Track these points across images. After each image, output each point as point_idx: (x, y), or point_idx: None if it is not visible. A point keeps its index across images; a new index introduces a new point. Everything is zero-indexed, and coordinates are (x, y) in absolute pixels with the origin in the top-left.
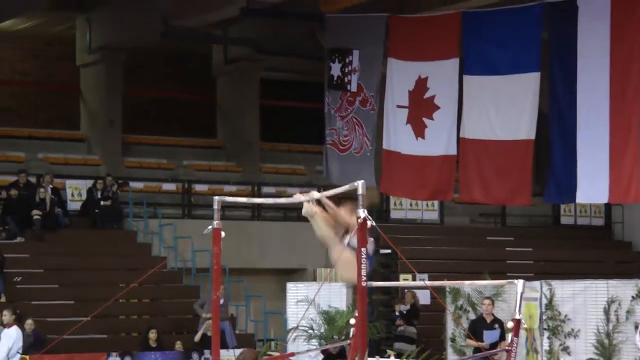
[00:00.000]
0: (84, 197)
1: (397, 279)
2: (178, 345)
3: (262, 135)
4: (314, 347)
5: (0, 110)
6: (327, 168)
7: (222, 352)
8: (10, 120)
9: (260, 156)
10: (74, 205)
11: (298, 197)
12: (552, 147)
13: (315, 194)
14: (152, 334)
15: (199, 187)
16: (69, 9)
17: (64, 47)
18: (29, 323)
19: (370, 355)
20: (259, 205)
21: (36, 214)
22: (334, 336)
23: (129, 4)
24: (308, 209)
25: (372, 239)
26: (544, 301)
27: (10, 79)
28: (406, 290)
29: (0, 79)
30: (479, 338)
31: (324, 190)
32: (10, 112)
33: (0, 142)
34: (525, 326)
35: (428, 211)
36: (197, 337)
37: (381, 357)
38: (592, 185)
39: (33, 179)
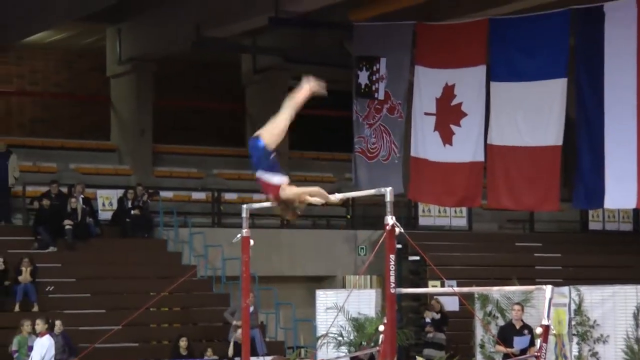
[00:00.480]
0: (115, 206)
1: (426, 286)
2: (209, 353)
3: (290, 143)
4: (344, 354)
5: (33, 121)
6: (355, 175)
7: (252, 359)
8: (43, 131)
9: (289, 164)
10: (105, 214)
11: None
12: (580, 153)
13: None
14: (183, 342)
15: (228, 196)
16: (99, 21)
17: (95, 58)
18: (58, 324)
19: None
20: None
21: (68, 223)
22: (363, 342)
23: (159, 15)
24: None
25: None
26: (573, 307)
27: (42, 91)
28: (434, 298)
29: (33, 91)
30: (509, 344)
31: None
32: (42, 123)
33: (33, 152)
34: (554, 332)
35: (456, 218)
36: (230, 350)
37: None
38: (620, 191)
39: (65, 189)
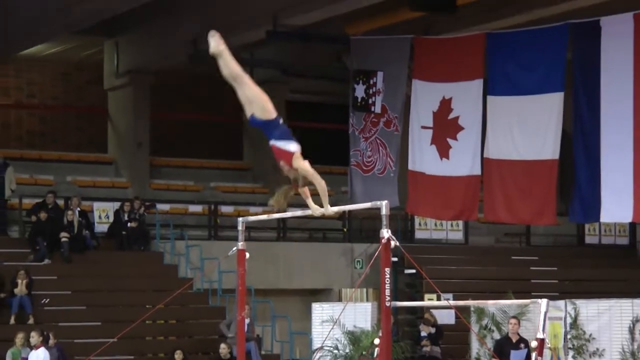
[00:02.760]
0: (112, 219)
1: (422, 299)
2: None
3: None
4: None
5: (30, 134)
6: (351, 189)
7: None
8: (40, 143)
9: (285, 178)
10: (102, 227)
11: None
12: (577, 167)
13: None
14: (178, 355)
15: (225, 209)
16: (97, 34)
17: (92, 71)
18: (51, 338)
19: None
20: (284, 226)
21: (64, 236)
22: (363, 353)
23: (157, 29)
24: (214, 45)
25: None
26: (569, 320)
27: (40, 103)
28: (428, 312)
29: (30, 103)
30: (506, 358)
31: None
32: (39, 136)
33: (30, 165)
34: (549, 345)
35: (453, 231)
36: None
37: None
38: (617, 205)
39: (61, 202)
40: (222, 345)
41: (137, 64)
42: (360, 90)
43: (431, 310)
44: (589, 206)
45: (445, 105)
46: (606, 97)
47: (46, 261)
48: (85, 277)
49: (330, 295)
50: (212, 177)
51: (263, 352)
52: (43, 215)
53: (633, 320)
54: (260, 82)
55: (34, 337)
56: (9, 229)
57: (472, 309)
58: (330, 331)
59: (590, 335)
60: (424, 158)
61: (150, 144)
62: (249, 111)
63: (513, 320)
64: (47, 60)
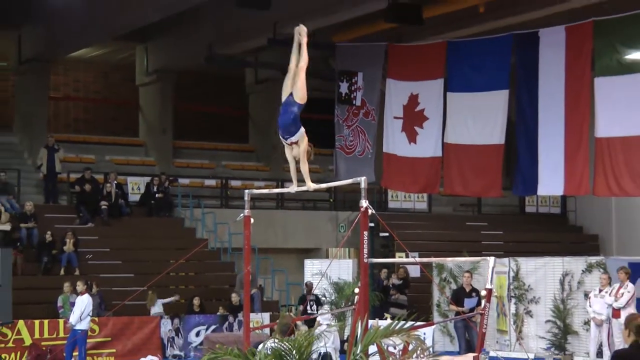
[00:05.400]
0: (142, 191)
1: (394, 257)
2: (220, 310)
3: None
4: (326, 311)
5: (75, 122)
6: (336, 167)
7: (252, 315)
8: (84, 129)
9: (284, 158)
10: (134, 197)
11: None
12: (519, 150)
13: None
14: (196, 301)
15: (234, 183)
16: (130, 40)
17: (126, 70)
18: (94, 285)
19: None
20: (282, 197)
21: (104, 204)
22: (287, 313)
23: (179, 36)
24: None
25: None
26: (512, 274)
27: (84, 97)
28: (401, 267)
29: (76, 96)
30: (461, 304)
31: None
32: (84, 123)
33: (76, 147)
34: (496, 294)
35: (419, 202)
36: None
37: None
38: (551, 181)
39: (100, 177)
40: (233, 295)
41: (163, 65)
42: (344, 87)
43: (402, 266)
44: (529, 182)
45: (413, 99)
46: (543, 93)
47: (89, 224)
48: (121, 237)
49: (319, 254)
50: (224, 157)
51: (265, 299)
52: (87, 187)
53: (563, 274)
54: (263, 80)
55: (79, 286)
56: (59, 198)
57: (434, 264)
58: (319, 282)
59: (529, 286)
60: (396, 142)
61: (173, 130)
62: (290, 90)
63: (467, 274)
64: (89, 61)
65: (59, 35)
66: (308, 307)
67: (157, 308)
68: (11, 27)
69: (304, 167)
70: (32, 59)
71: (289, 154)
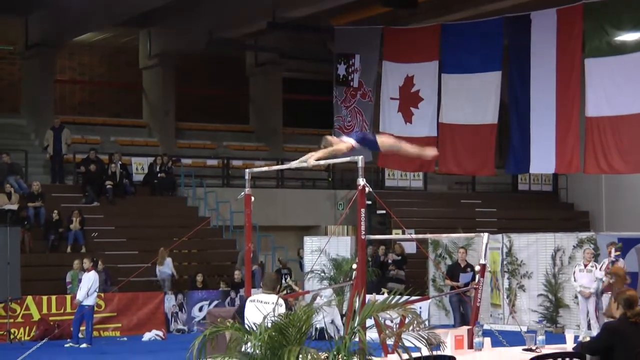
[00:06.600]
0: (146, 170)
1: (390, 233)
2: (222, 286)
3: (284, 122)
4: (325, 286)
5: (81, 104)
6: None
7: (253, 290)
8: (90, 111)
9: (283, 138)
10: (138, 177)
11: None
12: (511, 130)
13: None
14: (199, 277)
15: (235, 163)
16: (133, 25)
17: (129, 54)
18: (100, 262)
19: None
20: (282, 176)
21: (109, 183)
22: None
23: (181, 21)
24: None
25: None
26: (505, 250)
27: (89, 79)
28: (397, 243)
29: (81, 79)
30: (456, 279)
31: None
32: (89, 105)
33: (81, 128)
34: (489, 269)
35: (415, 180)
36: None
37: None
38: (542, 159)
39: (105, 157)
40: (236, 272)
41: (165, 49)
42: (342, 69)
43: (399, 242)
44: (521, 160)
45: (409, 81)
46: (535, 75)
47: (95, 203)
48: (126, 216)
49: (318, 231)
50: (225, 138)
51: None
52: (93, 167)
53: (554, 250)
54: (262, 63)
55: (86, 263)
56: (65, 178)
57: (429, 241)
58: (318, 258)
59: (522, 261)
60: (392, 122)
61: (175, 111)
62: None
63: (461, 250)
64: (94, 45)
65: (64, 21)
66: (283, 280)
67: (165, 268)
68: (18, 13)
69: (319, 152)
70: (39, 44)
71: (335, 143)
